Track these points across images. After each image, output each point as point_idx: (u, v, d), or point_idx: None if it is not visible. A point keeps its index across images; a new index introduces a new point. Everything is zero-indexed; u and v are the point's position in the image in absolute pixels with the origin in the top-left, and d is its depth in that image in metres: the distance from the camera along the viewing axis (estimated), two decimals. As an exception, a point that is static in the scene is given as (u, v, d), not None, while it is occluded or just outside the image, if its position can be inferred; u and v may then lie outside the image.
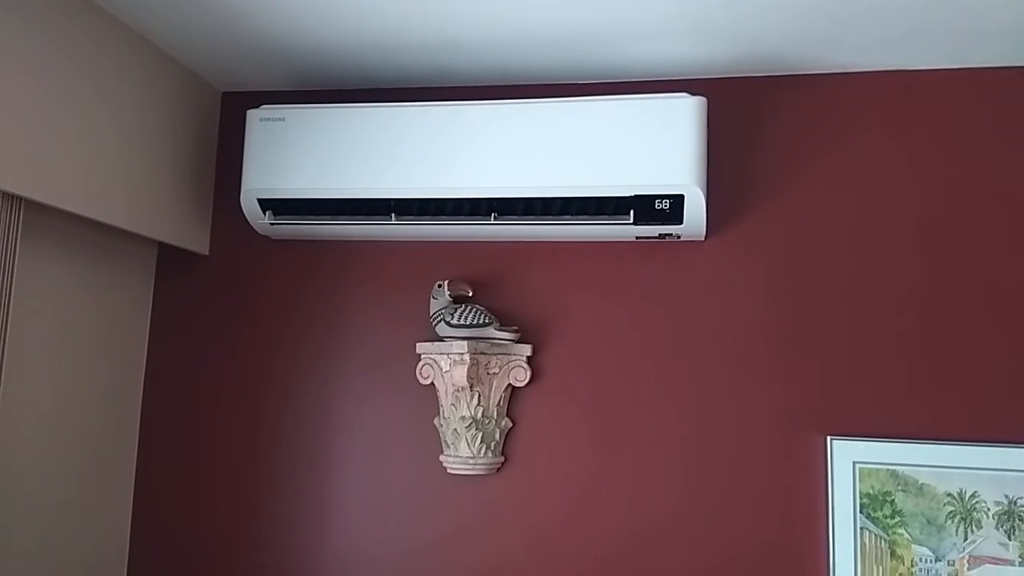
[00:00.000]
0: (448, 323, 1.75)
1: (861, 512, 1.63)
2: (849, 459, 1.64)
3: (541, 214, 1.68)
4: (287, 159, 1.73)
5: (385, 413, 1.87)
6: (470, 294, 1.80)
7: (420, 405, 1.85)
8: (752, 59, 1.74)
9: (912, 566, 1.60)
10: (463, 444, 1.74)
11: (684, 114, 1.60)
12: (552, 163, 1.63)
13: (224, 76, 1.96)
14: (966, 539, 1.59)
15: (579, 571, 1.74)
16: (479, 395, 1.74)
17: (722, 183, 1.79)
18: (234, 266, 1.99)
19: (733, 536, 1.69)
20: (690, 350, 1.76)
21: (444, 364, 1.76)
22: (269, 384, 1.93)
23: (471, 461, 1.74)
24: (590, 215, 1.66)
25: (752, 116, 1.81)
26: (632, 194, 1.61)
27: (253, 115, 1.78)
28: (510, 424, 1.80)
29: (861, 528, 1.63)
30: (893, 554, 1.61)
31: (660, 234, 1.72)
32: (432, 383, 1.80)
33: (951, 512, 1.60)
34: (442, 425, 1.79)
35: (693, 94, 1.62)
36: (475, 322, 1.74)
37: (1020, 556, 1.57)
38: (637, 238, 1.77)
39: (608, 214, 1.65)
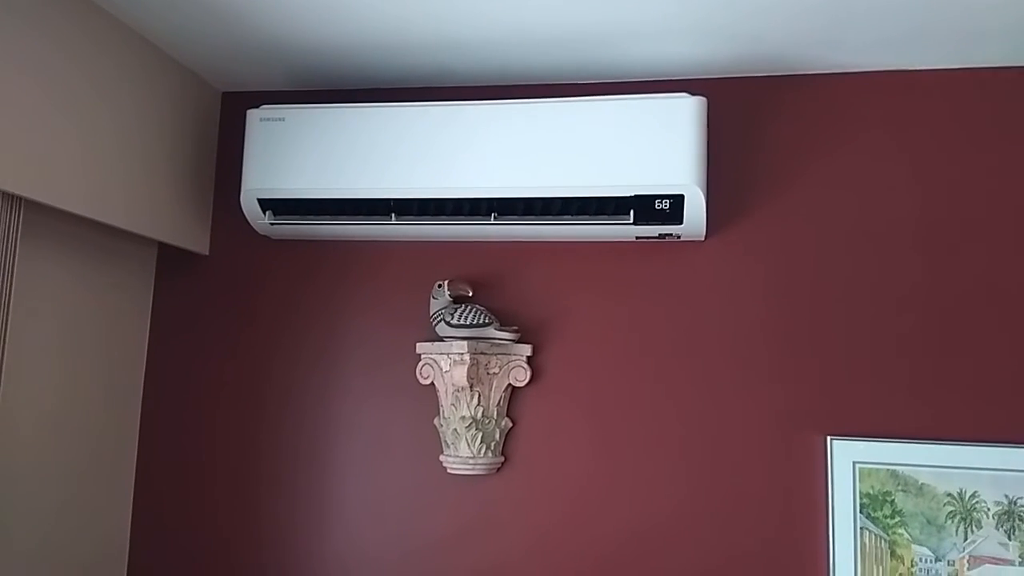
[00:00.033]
0: (448, 323, 1.75)
1: (861, 512, 1.63)
2: (849, 459, 1.64)
3: (541, 214, 1.68)
4: (287, 159, 1.73)
5: (385, 413, 1.87)
6: (470, 294, 1.80)
7: (420, 405, 1.85)
8: (752, 59, 1.74)
9: (912, 566, 1.60)
10: (463, 444, 1.74)
11: (684, 114, 1.60)
12: (552, 163, 1.63)
13: (224, 76, 1.96)
14: (966, 539, 1.59)
15: (579, 571, 1.74)
16: (479, 395, 1.74)
17: (722, 183, 1.79)
18: (234, 266, 1.99)
19: (733, 536, 1.69)
20: (690, 350, 1.76)
21: (444, 364, 1.76)
22: (269, 384, 1.93)
23: (471, 461, 1.74)
24: (590, 215, 1.66)
25: (752, 116, 1.81)
26: (632, 194, 1.61)
27: (253, 115, 1.78)
28: (510, 424, 1.80)
29: (861, 528, 1.63)
30: (893, 554, 1.61)
31: (660, 234, 1.72)
32: (432, 383, 1.80)
33: (951, 512, 1.60)
34: (442, 425, 1.79)
35: (693, 94, 1.62)
36: (475, 322, 1.74)
37: (1020, 556, 1.57)
38: (637, 238, 1.77)
39: (608, 214, 1.65)
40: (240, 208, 1.82)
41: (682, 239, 1.77)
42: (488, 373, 1.76)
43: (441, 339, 1.77)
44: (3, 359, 1.44)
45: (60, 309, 1.72)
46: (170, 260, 2.02)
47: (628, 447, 1.76)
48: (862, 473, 1.64)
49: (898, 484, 1.63)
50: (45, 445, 1.69)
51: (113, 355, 1.88)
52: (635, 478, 1.74)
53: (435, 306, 1.79)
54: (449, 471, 1.78)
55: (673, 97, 1.62)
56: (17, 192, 1.42)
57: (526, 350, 1.79)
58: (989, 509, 1.59)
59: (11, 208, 1.46)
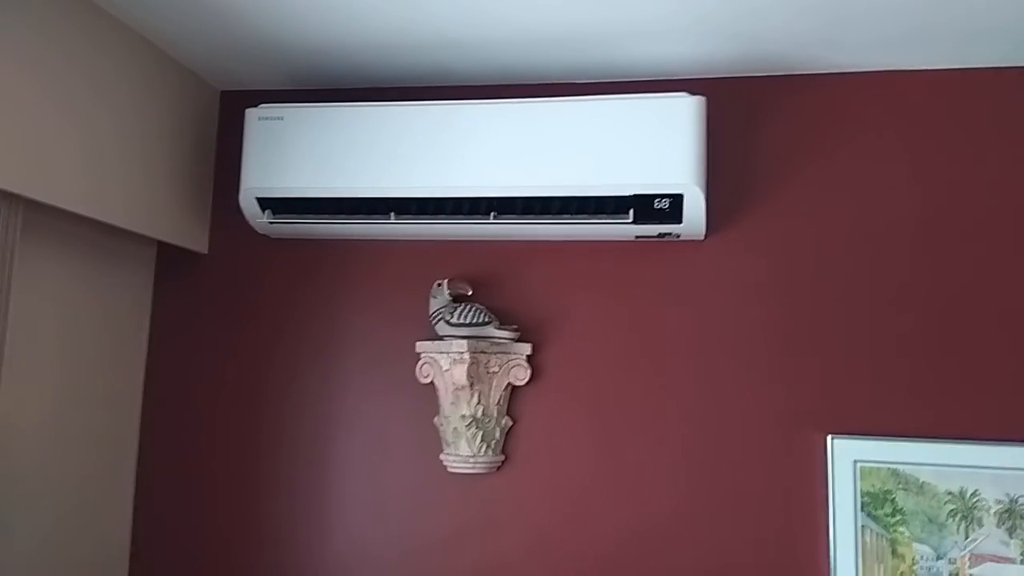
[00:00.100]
0: (448, 322, 1.75)
1: (862, 511, 1.63)
2: (850, 458, 1.64)
3: (540, 213, 1.68)
4: (286, 158, 1.73)
5: (385, 412, 1.86)
6: (470, 293, 1.80)
7: (420, 404, 1.84)
8: (752, 59, 1.74)
9: (913, 564, 1.60)
10: (463, 443, 1.74)
11: (683, 113, 1.60)
12: (551, 162, 1.63)
13: (223, 75, 1.96)
14: (967, 537, 1.59)
15: (579, 570, 1.74)
16: (479, 394, 1.74)
17: (721, 182, 1.79)
18: (233, 265, 1.99)
19: (733, 535, 1.69)
20: (690, 349, 1.76)
21: (444, 363, 1.76)
22: (269, 383, 1.93)
23: (471, 460, 1.74)
24: (589, 214, 1.66)
25: (752, 116, 1.81)
26: (632, 193, 1.61)
27: (252, 114, 1.77)
28: (510, 423, 1.80)
29: (862, 527, 1.63)
30: (894, 552, 1.61)
31: (659, 233, 1.72)
32: (432, 382, 1.80)
33: (952, 510, 1.60)
34: (442, 424, 1.78)
35: (692, 94, 1.62)
36: (475, 321, 1.74)
37: (1021, 554, 1.57)
38: (637, 237, 1.77)
39: (608, 213, 1.65)
40: (239, 207, 1.81)
41: (681, 238, 1.77)
42: (488, 372, 1.76)
43: (441, 338, 1.77)
44: (2, 358, 1.44)
45: (59, 308, 1.72)
46: (169, 259, 2.02)
47: (628, 446, 1.76)
48: (863, 472, 1.64)
49: (899, 483, 1.63)
50: (45, 444, 1.69)
51: (113, 354, 1.88)
52: (635, 477, 1.74)
53: (435, 305, 1.79)
54: (449, 470, 1.78)
55: (673, 97, 1.62)
56: (16, 191, 1.42)
57: (526, 349, 1.79)
58: (990, 507, 1.59)
59: (10, 207, 1.46)
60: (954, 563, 1.59)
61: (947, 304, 1.68)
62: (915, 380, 1.67)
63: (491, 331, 1.75)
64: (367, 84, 1.95)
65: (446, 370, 1.75)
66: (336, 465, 1.87)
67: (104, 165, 1.63)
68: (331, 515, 1.85)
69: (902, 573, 1.60)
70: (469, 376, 1.71)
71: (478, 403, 1.74)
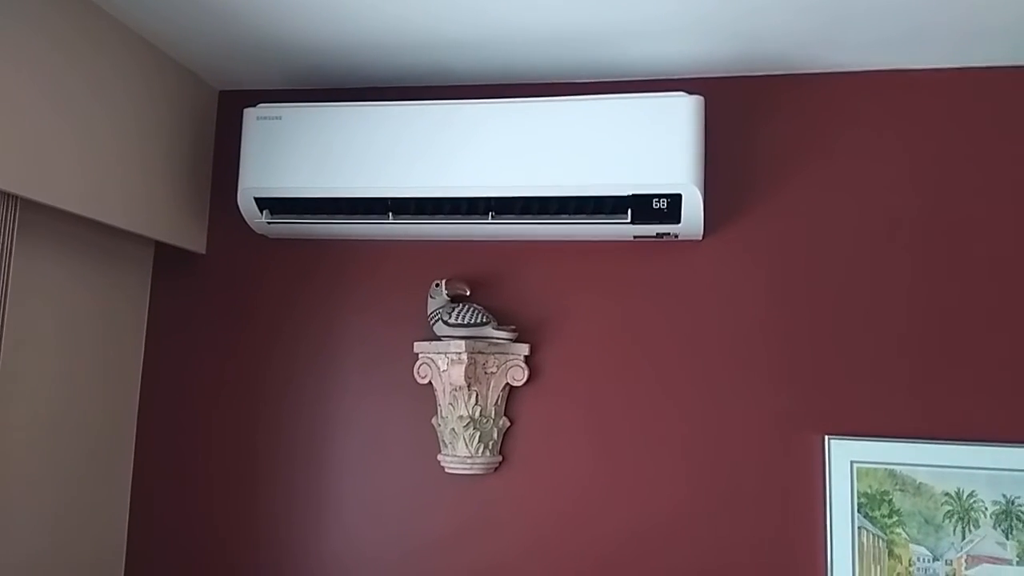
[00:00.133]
0: (446, 322, 1.75)
1: (859, 511, 1.63)
2: (847, 458, 1.64)
3: (539, 213, 1.68)
4: (284, 158, 1.73)
5: (383, 412, 1.86)
6: (468, 293, 1.80)
7: (418, 404, 1.84)
8: (750, 58, 1.74)
9: (910, 565, 1.60)
10: (461, 443, 1.74)
11: (682, 113, 1.60)
12: (550, 162, 1.63)
13: (221, 75, 1.96)
14: (964, 538, 1.59)
15: (578, 571, 1.74)
16: (477, 394, 1.74)
17: (720, 182, 1.79)
18: (231, 265, 1.98)
19: (731, 535, 1.69)
20: (688, 350, 1.76)
21: (442, 363, 1.75)
22: (266, 383, 1.93)
23: (469, 460, 1.74)
24: (588, 214, 1.66)
25: (750, 115, 1.81)
26: (630, 193, 1.61)
27: (250, 114, 1.77)
28: (508, 423, 1.80)
29: (859, 527, 1.63)
30: (891, 553, 1.61)
31: (658, 233, 1.72)
32: (430, 382, 1.80)
33: (949, 511, 1.60)
34: (440, 424, 1.78)
35: (691, 93, 1.62)
36: (473, 321, 1.73)
37: (1018, 555, 1.57)
38: (635, 237, 1.77)
39: (606, 213, 1.65)
40: (237, 207, 1.81)
41: (680, 238, 1.77)
42: (486, 372, 1.76)
43: (439, 338, 1.77)
44: (-1, 358, 1.44)
45: (57, 308, 1.72)
46: (167, 259, 2.02)
47: (626, 446, 1.76)
48: (860, 472, 1.64)
49: (896, 483, 1.63)
50: (42, 444, 1.69)
51: (110, 354, 1.88)
52: (633, 477, 1.74)
53: (432, 305, 1.78)
54: (447, 470, 1.78)
55: (671, 96, 1.61)
56: (13, 191, 1.42)
57: (524, 349, 1.79)
58: (987, 508, 1.59)
59: (7, 207, 1.46)
60: (951, 564, 1.59)
61: (945, 305, 1.68)
62: (913, 381, 1.67)
63: (489, 331, 1.74)
64: (366, 84, 1.94)
65: (444, 370, 1.75)
66: (334, 465, 1.87)
67: (102, 165, 1.63)
68: (328, 516, 1.85)
69: (899, 574, 1.60)
70: (467, 376, 1.71)
71: (476, 404, 1.74)
